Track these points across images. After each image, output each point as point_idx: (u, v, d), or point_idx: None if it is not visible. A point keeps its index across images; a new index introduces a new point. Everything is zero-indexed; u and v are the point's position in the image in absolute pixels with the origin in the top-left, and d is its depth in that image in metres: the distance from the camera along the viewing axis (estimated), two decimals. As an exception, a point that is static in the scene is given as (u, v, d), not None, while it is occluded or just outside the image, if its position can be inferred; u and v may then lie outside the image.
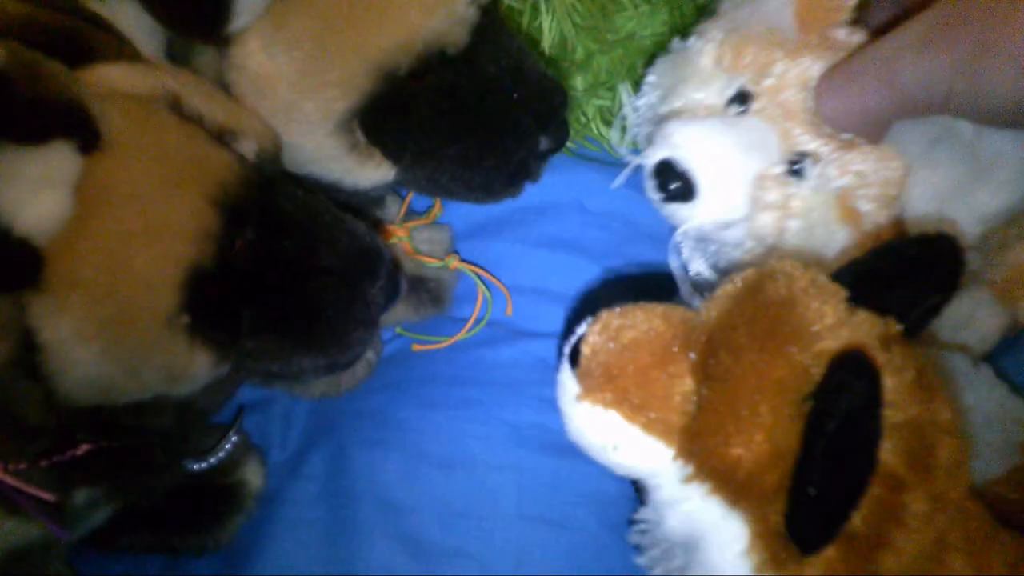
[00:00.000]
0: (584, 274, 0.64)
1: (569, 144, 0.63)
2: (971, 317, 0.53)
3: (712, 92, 0.45)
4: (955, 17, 0.39)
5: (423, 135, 0.47)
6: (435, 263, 0.62)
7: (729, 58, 0.45)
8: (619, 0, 0.61)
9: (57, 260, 0.34)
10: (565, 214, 0.65)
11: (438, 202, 0.63)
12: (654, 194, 0.44)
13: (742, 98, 0.45)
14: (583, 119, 0.66)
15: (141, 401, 0.39)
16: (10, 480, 0.40)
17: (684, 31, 0.59)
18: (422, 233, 0.62)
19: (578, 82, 0.64)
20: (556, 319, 0.63)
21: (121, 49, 0.40)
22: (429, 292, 0.62)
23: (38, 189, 0.32)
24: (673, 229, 0.47)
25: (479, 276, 0.63)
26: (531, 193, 0.53)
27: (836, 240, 0.45)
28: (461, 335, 0.62)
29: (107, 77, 0.38)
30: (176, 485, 0.54)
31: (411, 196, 0.63)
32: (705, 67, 0.46)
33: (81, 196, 0.34)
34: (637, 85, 0.63)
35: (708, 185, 0.42)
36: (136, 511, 0.51)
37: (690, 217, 0.43)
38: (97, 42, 0.39)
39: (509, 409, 0.59)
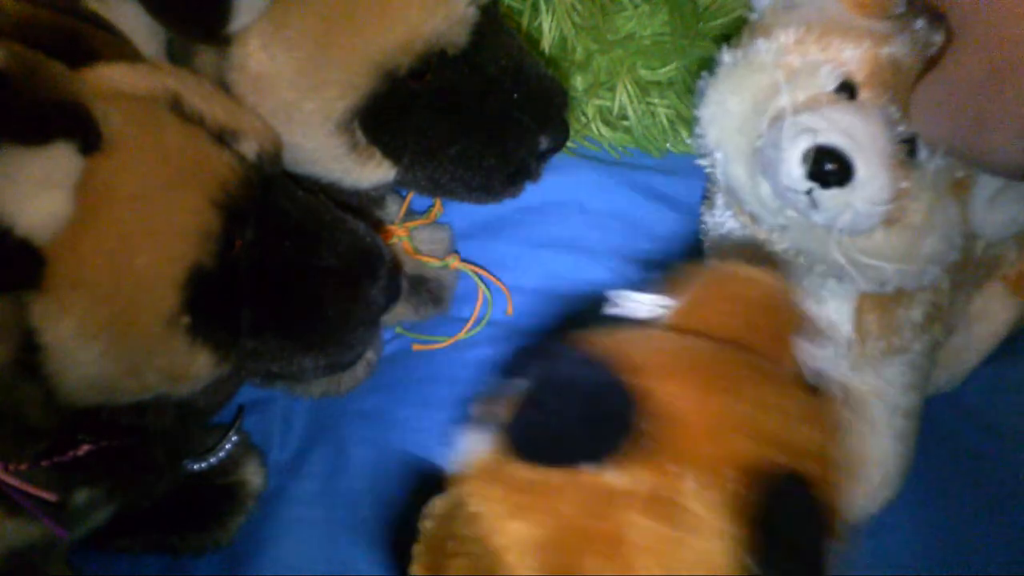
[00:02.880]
0: (585, 274, 0.64)
1: (569, 144, 0.63)
2: (985, 310, 0.55)
3: (806, 88, 0.44)
4: (955, 85, 0.40)
5: (423, 135, 0.47)
6: (435, 263, 0.62)
7: (815, 51, 0.45)
8: (619, 0, 0.61)
9: (58, 260, 0.34)
10: (565, 214, 0.65)
11: (438, 202, 0.63)
12: (802, 184, 0.42)
13: (846, 87, 0.44)
14: (583, 119, 0.66)
15: (142, 401, 0.39)
16: (11, 480, 0.40)
17: (686, 33, 0.59)
18: (422, 233, 0.62)
19: (578, 82, 0.64)
20: (556, 319, 0.63)
21: (122, 49, 0.40)
22: (429, 292, 0.62)
23: (39, 190, 0.32)
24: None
25: (479, 276, 0.63)
26: (531, 193, 0.53)
27: (951, 216, 0.45)
28: (461, 335, 0.63)
29: (108, 77, 0.38)
30: (176, 485, 0.54)
31: (411, 196, 0.63)
32: (792, 64, 0.45)
33: (82, 197, 0.34)
34: (637, 85, 0.63)
35: (864, 165, 0.41)
36: (136, 511, 0.51)
37: (846, 203, 0.42)
38: (98, 42, 0.39)
39: (509, 409, 0.59)
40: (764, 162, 0.44)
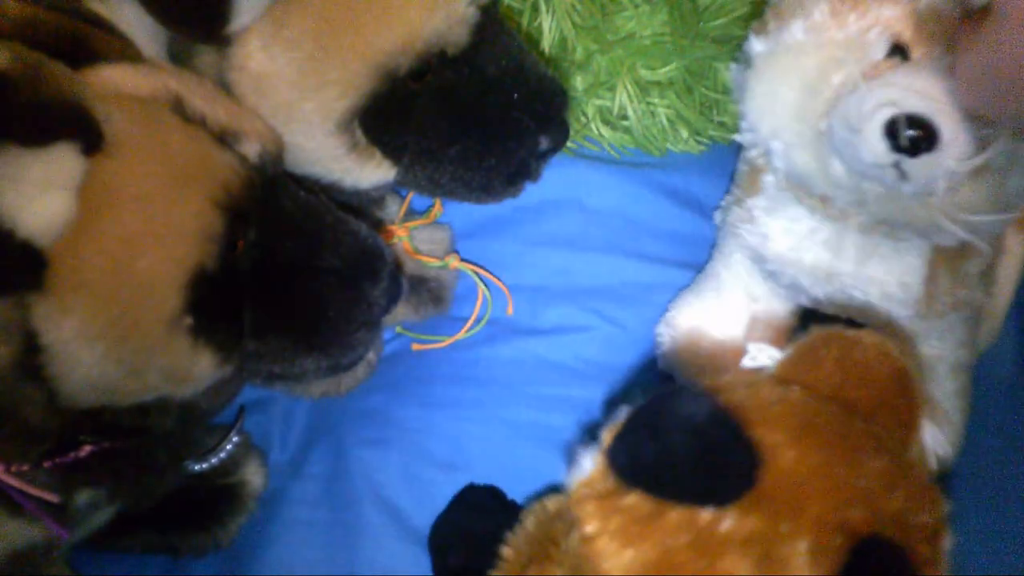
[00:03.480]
0: (584, 273, 0.64)
1: (569, 144, 0.63)
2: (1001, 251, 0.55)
3: (859, 59, 0.43)
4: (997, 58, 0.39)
5: (423, 135, 0.47)
6: (435, 263, 0.62)
7: (854, 19, 0.44)
8: (619, 0, 0.61)
9: (60, 262, 0.34)
10: (565, 213, 0.65)
11: (438, 202, 0.63)
12: (888, 157, 0.40)
13: (896, 50, 0.43)
14: (583, 119, 0.66)
15: (144, 402, 0.39)
16: (13, 481, 0.40)
17: (686, 33, 0.59)
18: (422, 233, 0.62)
19: (578, 82, 0.64)
20: (556, 317, 0.63)
21: (123, 50, 0.40)
22: (429, 292, 0.62)
23: (41, 191, 0.32)
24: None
25: (479, 275, 0.63)
26: (531, 192, 0.53)
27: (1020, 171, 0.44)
28: (461, 335, 0.63)
29: (110, 78, 0.38)
30: (177, 485, 0.54)
31: (411, 196, 0.63)
32: (836, 38, 0.44)
33: (84, 198, 0.34)
34: (637, 85, 0.63)
35: (947, 125, 0.39)
36: (137, 511, 0.51)
37: (937, 165, 0.40)
38: (99, 43, 0.39)
39: (509, 409, 0.59)
40: (837, 143, 0.43)
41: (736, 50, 0.61)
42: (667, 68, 0.62)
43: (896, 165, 0.40)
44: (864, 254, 0.50)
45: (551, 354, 0.62)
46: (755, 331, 0.60)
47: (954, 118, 0.39)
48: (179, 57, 0.44)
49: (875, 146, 0.40)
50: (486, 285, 0.63)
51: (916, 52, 0.43)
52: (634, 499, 0.32)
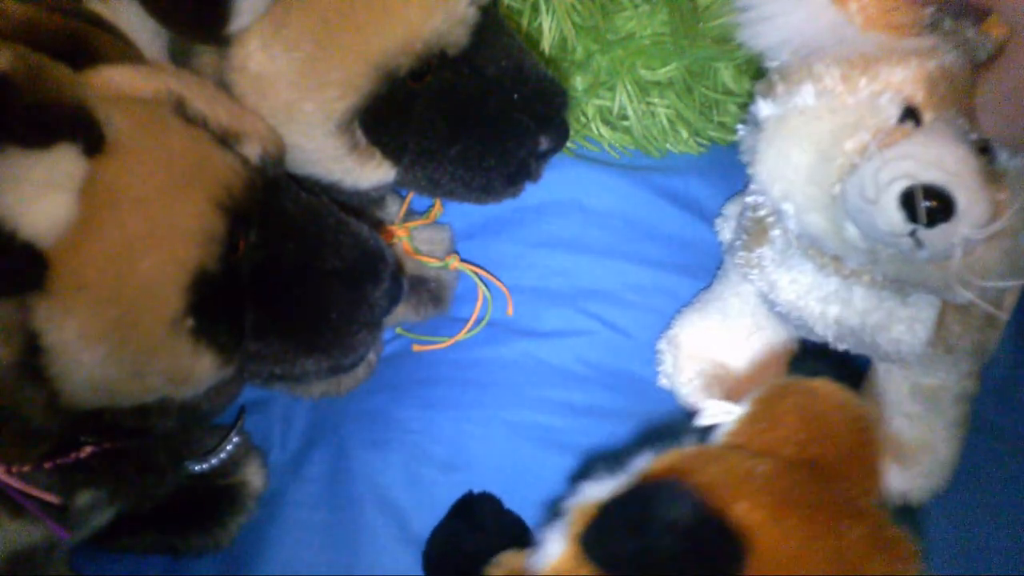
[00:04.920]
0: (584, 273, 0.64)
1: (569, 144, 0.63)
2: None
3: (870, 124, 0.43)
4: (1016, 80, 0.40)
5: (423, 135, 0.47)
6: (435, 263, 0.62)
7: (864, 83, 0.43)
8: (619, 0, 0.61)
9: (62, 263, 0.34)
10: (565, 213, 0.65)
11: (438, 202, 0.63)
12: (905, 227, 0.40)
13: (909, 114, 0.43)
14: (583, 119, 0.66)
15: (145, 403, 0.39)
16: (14, 482, 0.40)
17: (686, 33, 0.59)
18: (422, 233, 0.62)
19: (578, 82, 0.64)
20: (556, 319, 0.63)
21: (125, 51, 0.40)
22: (429, 292, 0.62)
23: (43, 192, 0.32)
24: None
25: (479, 276, 0.63)
26: (531, 193, 0.53)
27: None
28: (461, 335, 0.63)
29: (111, 80, 0.38)
30: (178, 486, 0.54)
31: (411, 196, 0.63)
32: (848, 103, 0.43)
33: (86, 199, 0.34)
34: (637, 85, 0.63)
35: (964, 194, 0.39)
36: (138, 512, 0.51)
37: (954, 234, 0.39)
38: (101, 44, 0.39)
39: (510, 410, 0.59)
40: (852, 211, 0.42)
41: (736, 50, 0.61)
42: (667, 68, 0.62)
43: (912, 234, 0.40)
44: (872, 306, 0.50)
45: (552, 357, 0.62)
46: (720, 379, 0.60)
47: (970, 186, 0.39)
48: (179, 58, 0.44)
49: (891, 216, 0.40)
50: (486, 286, 0.63)
51: (928, 115, 0.43)
52: None
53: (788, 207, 0.46)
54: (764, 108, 0.46)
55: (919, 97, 0.43)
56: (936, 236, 0.40)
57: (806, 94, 0.44)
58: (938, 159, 0.39)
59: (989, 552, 0.56)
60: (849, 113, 0.43)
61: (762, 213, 0.51)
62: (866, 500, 0.36)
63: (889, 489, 0.56)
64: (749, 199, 0.52)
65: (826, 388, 0.39)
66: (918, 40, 0.43)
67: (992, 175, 0.41)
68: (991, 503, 0.57)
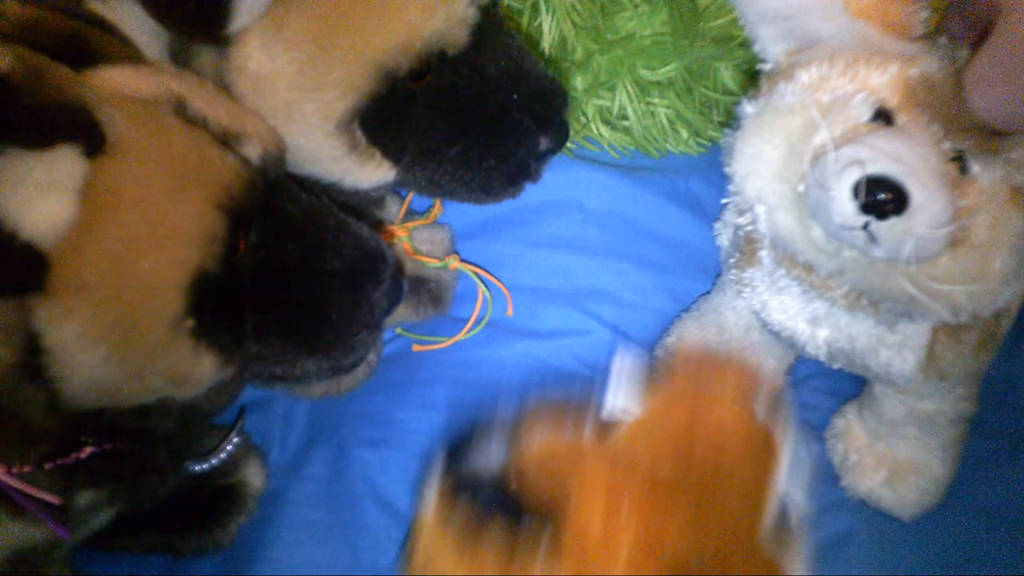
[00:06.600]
0: (584, 273, 0.64)
1: (569, 144, 0.63)
2: None
3: (841, 122, 0.43)
4: (1010, 55, 0.38)
5: (423, 135, 0.47)
6: (435, 263, 0.62)
7: (843, 83, 0.43)
8: (619, 0, 0.61)
9: (62, 264, 0.34)
10: (564, 214, 0.66)
11: (438, 202, 0.63)
12: (857, 219, 0.40)
13: (881, 115, 0.43)
14: (583, 119, 0.66)
15: (145, 404, 0.39)
16: (14, 482, 0.40)
17: (686, 33, 0.59)
18: (422, 233, 0.62)
19: (578, 82, 0.64)
20: (556, 319, 0.63)
21: (125, 52, 0.40)
22: (429, 292, 0.62)
23: (43, 193, 0.32)
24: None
25: (479, 276, 0.63)
26: (531, 193, 0.53)
27: (1016, 227, 0.42)
28: (461, 335, 0.63)
29: (112, 80, 0.37)
30: (178, 486, 0.54)
31: (411, 196, 0.63)
32: (823, 102, 0.43)
33: (86, 200, 0.34)
34: (637, 85, 0.63)
35: (918, 189, 0.39)
36: (138, 512, 0.51)
37: (906, 231, 0.39)
38: (101, 45, 0.39)
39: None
40: (812, 204, 0.42)
41: (736, 50, 0.61)
42: (667, 68, 0.62)
43: (865, 227, 0.40)
44: (860, 330, 0.50)
45: (552, 358, 0.62)
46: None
47: (927, 184, 0.39)
48: (179, 58, 0.44)
49: (844, 206, 0.40)
50: (486, 286, 0.63)
51: (901, 118, 0.42)
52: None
53: (760, 208, 0.45)
54: (747, 108, 0.46)
55: (894, 101, 0.43)
56: (888, 230, 0.40)
57: (785, 91, 0.44)
58: (896, 152, 0.39)
59: (989, 552, 0.56)
60: (822, 109, 0.43)
61: (742, 220, 0.51)
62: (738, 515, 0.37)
63: (880, 504, 0.57)
64: (741, 220, 0.52)
65: (727, 402, 0.39)
66: (903, 44, 0.43)
67: (957, 181, 0.41)
68: (990, 503, 0.57)
